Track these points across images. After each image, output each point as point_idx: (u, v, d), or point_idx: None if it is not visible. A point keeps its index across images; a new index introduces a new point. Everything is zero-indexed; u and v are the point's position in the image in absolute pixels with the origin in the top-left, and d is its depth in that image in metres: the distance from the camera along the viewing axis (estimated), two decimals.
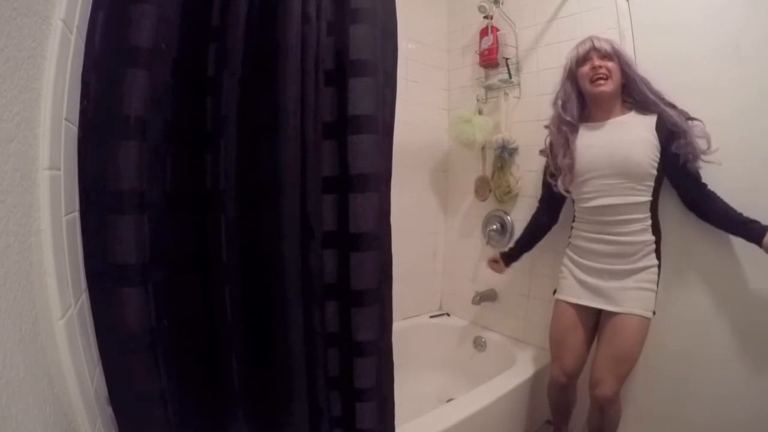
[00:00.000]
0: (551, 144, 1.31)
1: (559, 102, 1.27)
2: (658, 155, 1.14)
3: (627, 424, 1.36)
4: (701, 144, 1.11)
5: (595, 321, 1.27)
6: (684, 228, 1.26)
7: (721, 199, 1.12)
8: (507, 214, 1.78)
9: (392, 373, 0.93)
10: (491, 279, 1.87)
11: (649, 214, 1.18)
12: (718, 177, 1.18)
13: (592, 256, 1.23)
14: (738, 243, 1.15)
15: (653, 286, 1.17)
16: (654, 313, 1.18)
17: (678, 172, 1.15)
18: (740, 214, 1.08)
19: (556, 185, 1.29)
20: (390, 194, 0.90)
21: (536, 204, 1.52)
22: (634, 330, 1.16)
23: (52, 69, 0.52)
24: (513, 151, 1.67)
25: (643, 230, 1.17)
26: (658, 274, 1.19)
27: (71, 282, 0.56)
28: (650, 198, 1.16)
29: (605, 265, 1.20)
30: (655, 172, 1.15)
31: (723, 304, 1.20)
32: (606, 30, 1.41)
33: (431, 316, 2.03)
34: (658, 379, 1.33)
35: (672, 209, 1.25)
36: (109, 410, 0.63)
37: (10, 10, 0.42)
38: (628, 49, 1.25)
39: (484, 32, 1.76)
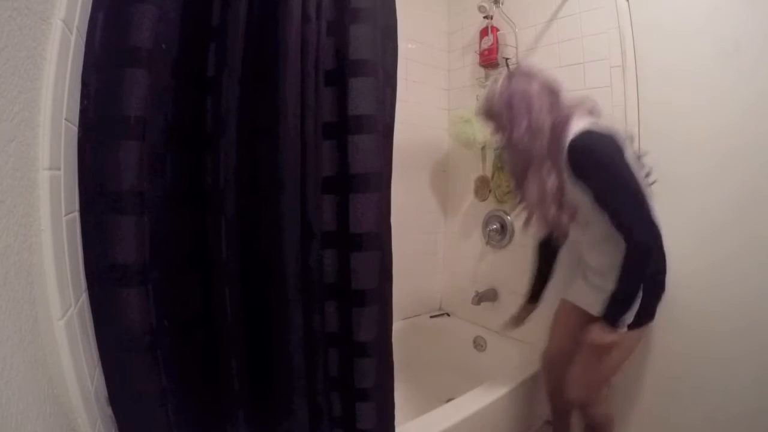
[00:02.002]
0: None
1: None
2: (584, 193, 0.99)
3: (628, 425, 1.36)
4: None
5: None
6: (683, 227, 1.26)
7: (626, 265, 0.97)
8: (507, 214, 1.78)
9: (392, 373, 0.93)
10: (491, 279, 1.87)
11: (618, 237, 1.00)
12: (720, 179, 1.18)
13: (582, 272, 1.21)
14: (737, 244, 1.15)
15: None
16: (631, 327, 1.03)
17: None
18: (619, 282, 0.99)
19: None
20: (390, 194, 0.90)
21: None
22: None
23: (52, 69, 0.52)
24: None
25: (611, 253, 1.02)
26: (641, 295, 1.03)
27: (71, 282, 0.56)
28: (607, 228, 1.00)
29: (590, 277, 1.16)
30: (590, 202, 1.00)
31: (724, 304, 1.20)
32: (606, 30, 1.41)
33: (431, 316, 2.03)
34: (659, 379, 1.33)
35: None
36: (109, 410, 0.63)
37: (10, 10, 0.42)
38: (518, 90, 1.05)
39: (484, 32, 1.76)
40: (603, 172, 0.97)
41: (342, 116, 0.84)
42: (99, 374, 0.62)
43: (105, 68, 0.62)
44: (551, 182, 1.03)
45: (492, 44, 1.72)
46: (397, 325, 0.96)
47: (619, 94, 1.39)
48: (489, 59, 1.74)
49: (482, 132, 1.72)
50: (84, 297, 0.61)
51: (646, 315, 1.05)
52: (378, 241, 0.85)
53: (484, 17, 1.73)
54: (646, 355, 1.34)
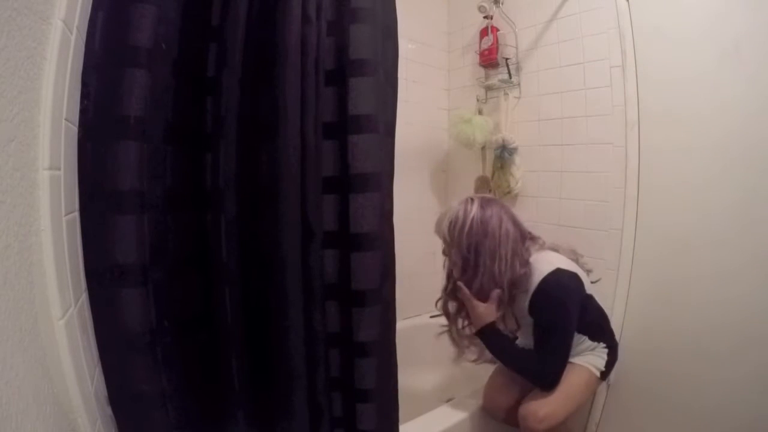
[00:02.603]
0: None
1: None
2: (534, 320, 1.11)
3: (628, 425, 1.37)
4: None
5: None
6: (683, 234, 1.26)
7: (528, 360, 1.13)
8: None
9: (395, 374, 0.93)
10: None
11: (583, 338, 1.15)
12: (720, 182, 1.17)
13: None
14: (739, 251, 1.14)
15: (603, 355, 1.17)
16: (602, 375, 1.16)
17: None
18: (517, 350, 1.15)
19: None
20: (392, 194, 0.90)
21: (534, 204, 1.52)
22: (576, 373, 1.13)
23: (52, 69, 0.52)
24: (513, 151, 1.68)
25: (580, 350, 1.16)
26: (608, 351, 1.18)
27: (71, 282, 0.56)
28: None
29: None
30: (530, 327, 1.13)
31: (722, 306, 1.19)
32: (606, 30, 1.41)
33: (431, 316, 2.02)
34: (658, 381, 1.33)
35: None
36: (109, 410, 0.63)
37: (10, 10, 0.42)
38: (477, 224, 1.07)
39: (484, 32, 1.76)
40: (554, 323, 1.07)
41: (342, 116, 0.84)
42: (99, 374, 0.62)
43: (105, 68, 0.62)
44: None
45: (492, 44, 1.72)
46: (397, 325, 0.96)
47: (619, 94, 1.39)
48: (489, 59, 1.74)
49: (482, 132, 1.72)
50: (84, 297, 0.61)
51: (605, 375, 1.19)
52: (378, 242, 0.85)
53: (484, 17, 1.73)
54: (642, 379, 1.34)
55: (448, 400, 1.33)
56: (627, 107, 1.37)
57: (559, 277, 1.06)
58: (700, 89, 1.21)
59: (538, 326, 1.10)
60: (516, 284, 1.08)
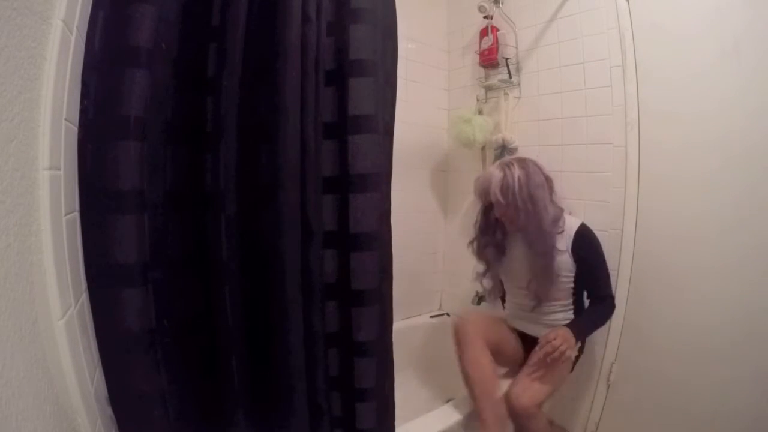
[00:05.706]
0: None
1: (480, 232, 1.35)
2: (574, 269, 1.25)
3: (628, 425, 1.36)
4: None
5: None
6: (683, 233, 1.26)
7: (601, 307, 1.28)
8: None
9: (392, 373, 0.93)
10: None
11: (571, 300, 1.29)
12: (721, 181, 1.17)
13: (522, 323, 1.37)
14: (738, 250, 1.14)
15: None
16: (580, 352, 1.28)
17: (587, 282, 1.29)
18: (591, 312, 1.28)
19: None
20: (390, 194, 0.90)
21: None
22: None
23: (52, 69, 0.52)
24: (513, 151, 1.68)
25: (564, 311, 1.29)
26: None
27: (71, 282, 0.56)
28: (571, 290, 1.28)
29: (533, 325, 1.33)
30: (571, 276, 1.26)
31: (723, 306, 1.20)
32: (606, 30, 1.41)
33: (431, 316, 2.03)
34: (657, 380, 1.33)
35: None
36: (109, 410, 0.63)
37: (10, 10, 0.42)
38: (527, 179, 1.19)
39: (484, 32, 1.76)
40: (599, 257, 1.27)
41: (342, 116, 0.84)
42: (99, 374, 0.62)
43: (105, 68, 0.62)
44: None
45: (492, 44, 1.72)
46: (397, 325, 0.96)
47: (619, 94, 1.39)
48: (489, 59, 1.74)
49: (482, 132, 1.72)
50: (84, 297, 0.61)
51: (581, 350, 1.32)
52: (377, 241, 0.85)
53: (484, 17, 1.73)
54: (642, 379, 1.34)
55: (448, 400, 1.33)
56: (627, 107, 1.37)
57: (589, 228, 1.27)
58: (700, 88, 1.21)
59: (584, 265, 1.25)
60: (555, 221, 1.23)
